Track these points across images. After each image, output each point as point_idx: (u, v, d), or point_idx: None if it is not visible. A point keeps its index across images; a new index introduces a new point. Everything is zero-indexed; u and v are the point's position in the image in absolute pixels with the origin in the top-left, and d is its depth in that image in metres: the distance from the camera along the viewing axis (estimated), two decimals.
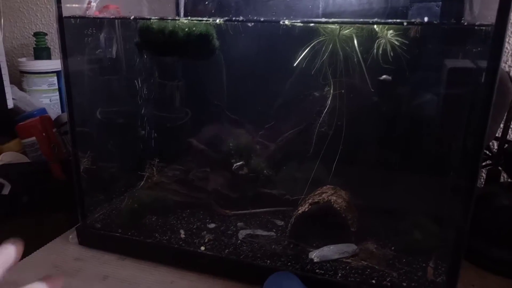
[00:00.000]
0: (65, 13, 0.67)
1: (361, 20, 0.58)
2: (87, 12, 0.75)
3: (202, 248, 0.66)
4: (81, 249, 0.73)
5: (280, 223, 0.74)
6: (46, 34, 1.22)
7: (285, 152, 0.78)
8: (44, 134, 0.87)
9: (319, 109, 0.72)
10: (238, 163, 0.77)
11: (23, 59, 1.22)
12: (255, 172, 0.77)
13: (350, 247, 0.64)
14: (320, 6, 0.77)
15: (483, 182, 0.83)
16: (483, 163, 0.85)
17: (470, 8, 0.66)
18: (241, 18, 0.64)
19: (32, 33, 1.23)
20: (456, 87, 0.62)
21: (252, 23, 0.65)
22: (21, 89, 1.18)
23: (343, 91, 0.69)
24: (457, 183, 0.58)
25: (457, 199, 0.55)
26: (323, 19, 0.63)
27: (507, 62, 0.90)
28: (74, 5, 0.71)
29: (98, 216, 0.77)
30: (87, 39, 0.76)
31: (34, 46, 1.22)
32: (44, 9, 1.31)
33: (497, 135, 0.77)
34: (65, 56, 0.67)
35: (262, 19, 0.61)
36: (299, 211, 0.67)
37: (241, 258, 0.64)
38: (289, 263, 0.63)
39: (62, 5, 0.67)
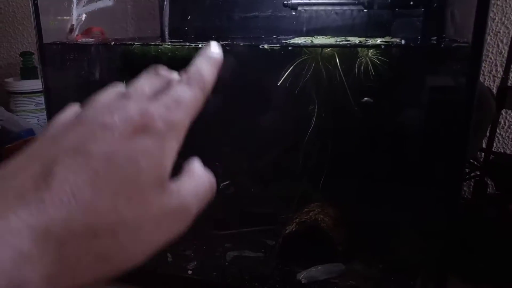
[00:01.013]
0: (47, 38, 0.67)
1: (341, 43, 0.59)
2: (70, 35, 0.75)
3: (190, 272, 0.66)
4: None
5: (268, 242, 0.74)
6: (33, 54, 1.21)
7: (271, 170, 0.78)
8: None
9: (303, 127, 0.72)
10: (224, 183, 0.76)
11: (10, 79, 1.21)
12: (242, 191, 0.77)
13: (338, 267, 0.64)
14: (304, 22, 0.78)
15: (471, 194, 0.83)
16: (472, 174, 0.86)
17: (452, 23, 0.66)
18: (221, 42, 0.63)
19: (19, 53, 1.23)
20: (436, 104, 0.62)
21: (233, 45, 0.66)
22: (9, 109, 1.18)
23: (326, 109, 0.69)
24: (442, 197, 0.58)
25: (443, 213, 0.55)
26: (302, 41, 0.63)
27: (492, 72, 0.90)
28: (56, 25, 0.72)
29: None
30: (70, 62, 0.75)
31: (21, 66, 1.21)
32: (30, 29, 1.31)
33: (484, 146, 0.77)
34: (46, 82, 0.67)
35: (241, 43, 0.61)
36: (287, 231, 0.67)
37: (228, 281, 0.64)
38: (277, 285, 0.62)
39: (43, 30, 0.67)
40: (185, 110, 0.21)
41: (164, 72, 0.24)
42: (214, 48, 0.25)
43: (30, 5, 0.66)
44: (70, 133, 0.19)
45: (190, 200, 0.21)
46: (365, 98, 0.64)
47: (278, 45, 0.59)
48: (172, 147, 0.20)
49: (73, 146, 0.18)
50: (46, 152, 0.19)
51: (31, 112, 1.17)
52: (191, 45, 0.65)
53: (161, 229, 0.20)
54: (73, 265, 0.17)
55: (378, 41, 0.61)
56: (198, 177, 0.23)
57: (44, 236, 0.16)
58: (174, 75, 0.24)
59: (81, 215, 0.17)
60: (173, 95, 0.21)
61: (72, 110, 0.23)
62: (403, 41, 0.57)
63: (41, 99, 1.19)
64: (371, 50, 0.62)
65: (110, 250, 0.18)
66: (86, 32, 0.78)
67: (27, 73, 1.20)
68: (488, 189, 0.80)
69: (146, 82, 0.22)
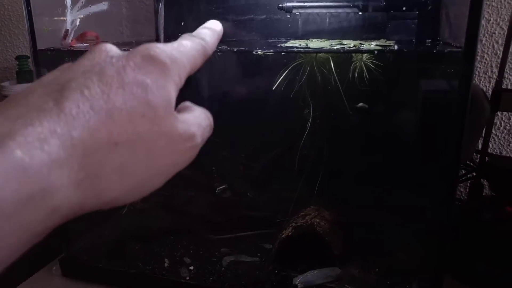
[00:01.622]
0: (41, 43, 0.67)
1: (335, 49, 0.58)
2: (64, 41, 0.75)
3: (186, 277, 0.66)
4: (65, 281, 0.72)
5: (265, 246, 0.74)
6: (28, 57, 1.21)
7: (268, 174, 0.78)
8: None
9: (299, 131, 0.72)
10: (221, 187, 0.76)
11: (6, 83, 1.21)
12: (239, 195, 0.77)
13: (334, 271, 0.64)
14: (299, 25, 0.77)
15: (467, 195, 0.83)
16: (468, 175, 0.86)
17: (447, 25, 0.66)
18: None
19: (15, 57, 1.22)
20: (431, 107, 0.63)
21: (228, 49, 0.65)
22: None
23: (321, 112, 0.69)
24: (437, 200, 0.58)
25: (438, 216, 0.55)
26: (297, 44, 0.63)
27: (487, 73, 0.90)
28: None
29: (81, 246, 0.76)
30: None
31: (17, 69, 1.21)
32: (26, 32, 1.30)
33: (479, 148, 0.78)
34: None
35: (235, 49, 0.61)
36: (283, 235, 0.67)
37: (225, 286, 0.64)
38: None
39: (37, 35, 0.66)
40: (186, 55, 0.23)
41: None
42: (214, 23, 0.30)
43: (24, 11, 0.66)
44: (82, 61, 0.21)
45: (195, 129, 0.22)
46: (360, 104, 0.64)
47: (271, 51, 0.59)
48: (174, 80, 0.22)
49: (85, 70, 0.20)
50: (60, 76, 0.20)
51: None
52: None
53: (173, 150, 0.21)
54: (97, 173, 0.18)
55: (373, 44, 0.61)
56: (197, 112, 0.24)
57: (69, 143, 0.17)
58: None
59: (101, 124, 0.18)
60: (176, 42, 0.24)
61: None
62: (396, 46, 0.57)
63: None
64: (365, 54, 0.62)
65: (130, 162, 0.19)
66: (81, 37, 0.78)
67: (23, 76, 1.20)
68: (484, 191, 0.80)
69: None
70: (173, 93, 0.21)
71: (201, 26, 0.29)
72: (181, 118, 0.22)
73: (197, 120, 0.23)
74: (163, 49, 0.22)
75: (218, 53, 0.62)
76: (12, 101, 0.18)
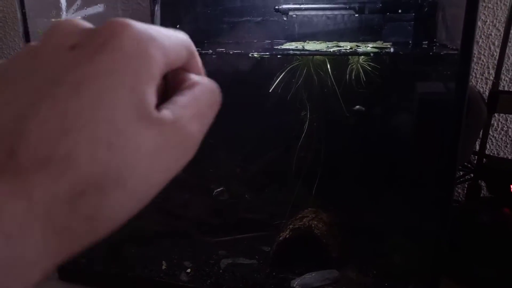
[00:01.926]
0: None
1: (331, 51, 0.58)
2: None
3: (184, 279, 0.65)
4: (61, 285, 0.71)
5: (263, 248, 0.74)
6: None
7: (265, 176, 0.78)
8: None
9: (296, 133, 0.72)
10: (218, 189, 0.76)
11: None
12: (236, 197, 0.76)
13: (332, 273, 0.63)
14: (296, 27, 0.77)
15: (465, 197, 0.83)
16: (465, 177, 0.86)
17: (443, 27, 0.66)
18: (210, 51, 0.63)
19: None
20: (427, 109, 0.62)
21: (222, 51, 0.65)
22: None
23: (319, 114, 0.69)
24: (434, 202, 0.58)
25: (435, 218, 0.55)
26: (294, 46, 0.63)
27: (484, 74, 0.90)
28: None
29: None
30: None
31: None
32: (21, 35, 1.30)
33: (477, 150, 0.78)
34: None
35: (231, 52, 0.61)
36: (280, 238, 0.67)
37: None
38: None
39: (32, 38, 0.66)
40: (160, 47, 0.17)
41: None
42: None
43: (18, 13, 0.65)
44: (33, 72, 0.16)
45: (191, 126, 0.18)
46: (357, 106, 0.64)
47: (267, 53, 0.58)
48: (150, 75, 0.16)
49: (38, 89, 0.16)
50: (10, 103, 0.16)
51: None
52: None
53: (158, 168, 0.17)
54: (64, 233, 0.15)
55: (369, 46, 0.61)
56: (200, 91, 0.19)
57: (28, 208, 0.14)
58: None
59: (61, 174, 0.15)
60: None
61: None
62: (392, 49, 0.56)
63: None
64: (362, 57, 0.62)
65: (101, 207, 0.16)
66: None
67: None
68: (482, 192, 0.80)
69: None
70: (148, 91, 0.16)
71: None
72: (170, 116, 0.17)
73: (197, 109, 0.18)
74: (133, 37, 0.16)
75: (213, 55, 0.62)
76: None
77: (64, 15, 0.75)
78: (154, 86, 0.16)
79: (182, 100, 0.18)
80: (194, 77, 0.19)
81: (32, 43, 0.17)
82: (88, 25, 0.17)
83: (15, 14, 1.27)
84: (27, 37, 0.65)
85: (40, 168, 0.15)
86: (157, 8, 0.81)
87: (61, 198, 0.15)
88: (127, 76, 0.16)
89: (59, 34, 0.17)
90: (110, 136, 0.16)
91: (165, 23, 0.81)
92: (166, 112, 0.17)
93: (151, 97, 0.16)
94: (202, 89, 0.19)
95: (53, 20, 0.74)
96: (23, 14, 0.62)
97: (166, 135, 0.17)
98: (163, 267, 0.69)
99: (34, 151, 0.15)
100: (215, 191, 0.76)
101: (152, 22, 0.84)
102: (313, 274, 0.63)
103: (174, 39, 0.18)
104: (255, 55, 0.56)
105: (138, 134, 0.16)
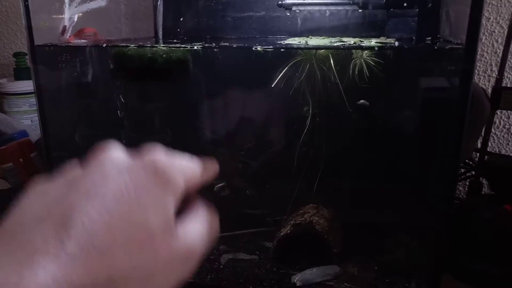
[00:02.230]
0: (38, 40, 0.66)
1: (335, 45, 0.58)
2: (62, 37, 0.75)
3: None
4: None
5: (264, 244, 0.73)
6: (26, 54, 1.20)
7: (266, 171, 0.78)
8: (21, 160, 0.86)
9: (299, 128, 0.72)
10: (219, 184, 0.76)
11: (3, 80, 1.20)
12: (237, 192, 0.76)
13: (333, 269, 0.63)
14: (299, 23, 0.77)
15: (466, 194, 0.83)
16: (467, 174, 0.86)
17: (447, 23, 0.66)
18: (213, 44, 0.63)
19: (12, 54, 1.22)
20: (431, 105, 0.62)
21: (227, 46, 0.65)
22: (2, 110, 1.17)
23: (321, 110, 0.69)
24: (436, 198, 0.58)
25: (437, 214, 0.55)
26: (296, 42, 0.62)
27: (487, 72, 0.90)
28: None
29: None
30: (62, 64, 0.75)
31: (14, 66, 1.20)
32: (23, 29, 1.30)
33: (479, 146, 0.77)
34: (38, 83, 0.66)
35: (234, 46, 0.61)
36: (281, 233, 0.67)
37: (223, 284, 0.63)
38: None
39: (35, 31, 0.66)
40: (183, 173, 0.22)
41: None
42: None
43: (21, 6, 0.65)
44: (87, 177, 0.20)
45: (196, 243, 0.22)
46: (361, 101, 0.64)
47: (271, 47, 0.58)
48: (174, 195, 0.21)
49: (89, 192, 0.19)
50: (62, 197, 0.20)
51: (24, 113, 1.16)
52: (186, 47, 0.64)
53: (170, 275, 0.21)
54: None
55: (373, 41, 0.60)
56: (203, 217, 0.24)
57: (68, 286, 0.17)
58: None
59: (101, 264, 0.18)
60: (177, 155, 0.24)
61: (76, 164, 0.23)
62: (396, 43, 0.56)
63: (35, 100, 1.18)
64: (366, 52, 0.61)
65: None
66: (79, 33, 0.77)
67: (21, 73, 1.19)
68: (483, 190, 0.80)
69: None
70: (172, 212, 0.21)
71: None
72: (182, 233, 0.21)
73: (200, 231, 0.22)
74: (166, 163, 0.22)
75: (215, 49, 0.61)
76: (11, 236, 0.18)
77: (67, 9, 0.74)
78: (176, 205, 0.21)
79: (193, 224, 0.22)
80: (200, 202, 0.25)
81: (73, 166, 0.22)
82: (129, 154, 0.23)
83: (17, 9, 1.27)
84: (30, 30, 0.64)
85: (84, 257, 0.18)
86: (160, 2, 0.81)
87: (97, 283, 0.18)
88: (159, 195, 0.20)
89: (107, 160, 0.21)
90: (143, 236, 0.19)
91: (167, 17, 0.80)
92: (181, 229, 0.21)
93: (173, 215, 0.21)
94: (207, 217, 0.24)
95: (53, 17, 0.74)
96: (26, 7, 0.62)
97: (178, 246, 0.21)
98: None
99: (79, 240, 0.18)
100: (216, 186, 0.76)
101: (154, 16, 0.84)
102: (314, 270, 0.63)
103: (191, 168, 0.23)
104: (259, 49, 0.56)
105: (162, 241, 0.20)
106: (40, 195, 0.20)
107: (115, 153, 0.22)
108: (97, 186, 0.20)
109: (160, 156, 0.22)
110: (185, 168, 0.23)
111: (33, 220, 0.19)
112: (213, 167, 0.27)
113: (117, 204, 0.19)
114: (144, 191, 0.20)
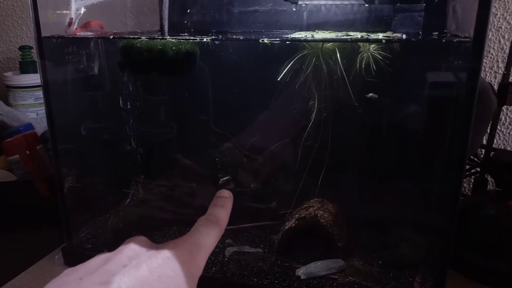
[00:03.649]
0: (45, 32, 0.66)
1: (342, 37, 0.58)
2: (69, 29, 0.75)
3: None
4: None
5: (268, 237, 0.74)
6: (31, 48, 1.21)
7: (272, 166, 0.78)
8: (27, 152, 0.86)
9: (304, 123, 0.72)
10: (224, 178, 0.76)
11: (9, 73, 1.20)
12: (242, 186, 0.76)
13: (337, 263, 0.63)
14: (305, 17, 0.77)
15: (471, 190, 0.83)
16: (472, 171, 0.85)
17: (454, 18, 0.66)
18: (220, 36, 0.63)
19: (18, 47, 1.22)
20: (437, 100, 0.62)
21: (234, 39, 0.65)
22: (8, 104, 1.17)
23: (327, 104, 0.69)
24: (442, 194, 0.58)
25: (443, 209, 0.55)
26: (303, 36, 0.62)
27: (493, 68, 0.90)
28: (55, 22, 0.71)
29: (84, 236, 0.76)
30: (69, 56, 0.75)
31: (20, 60, 1.20)
32: (29, 23, 1.30)
33: (484, 143, 0.77)
34: (45, 75, 0.66)
35: (241, 38, 0.61)
36: (286, 227, 0.67)
37: (227, 276, 0.64)
38: (276, 281, 0.62)
39: (41, 24, 0.66)
40: (206, 242, 0.29)
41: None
42: (224, 194, 0.35)
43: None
44: (120, 255, 0.25)
45: None
46: (370, 94, 0.64)
47: (278, 39, 0.58)
48: (199, 266, 0.27)
49: (124, 264, 0.24)
50: (103, 268, 0.24)
51: (30, 106, 1.17)
52: (196, 39, 0.64)
53: None
54: None
55: (380, 35, 0.60)
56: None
57: None
58: None
59: None
60: (195, 231, 0.30)
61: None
62: (404, 36, 0.56)
63: (41, 93, 1.18)
64: (373, 45, 0.61)
65: None
66: (85, 25, 0.77)
67: (26, 67, 1.19)
68: (488, 186, 0.80)
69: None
70: (197, 277, 0.26)
71: (213, 202, 0.34)
72: None
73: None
74: (188, 244, 0.27)
75: (217, 42, 0.61)
76: None
77: (73, 2, 0.74)
78: (201, 270, 0.28)
79: None
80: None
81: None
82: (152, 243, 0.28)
83: (23, 2, 1.28)
84: (37, 22, 0.64)
85: None
86: None
87: None
88: (189, 270, 0.26)
89: (136, 245, 0.27)
90: None
91: (173, 10, 0.80)
92: None
93: (197, 280, 0.27)
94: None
95: (57, 11, 0.74)
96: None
97: None
98: None
99: None
100: (221, 180, 0.76)
101: (160, 10, 0.84)
102: (318, 263, 0.63)
103: (209, 238, 0.30)
104: (265, 41, 0.56)
105: None
106: (81, 266, 0.24)
107: (141, 241, 0.27)
108: (132, 260, 0.24)
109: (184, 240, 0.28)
110: (206, 237, 0.29)
111: (75, 279, 0.22)
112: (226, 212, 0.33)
113: (149, 276, 0.23)
114: (172, 269, 0.25)
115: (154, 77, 0.79)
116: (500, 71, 0.89)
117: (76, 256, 0.72)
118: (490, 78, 0.89)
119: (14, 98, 1.17)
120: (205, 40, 0.61)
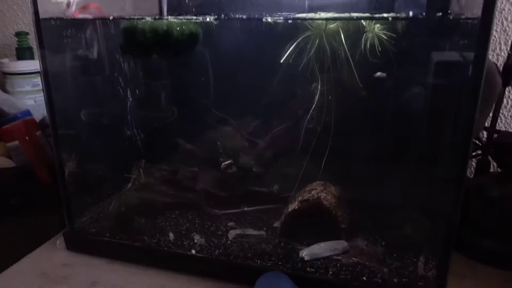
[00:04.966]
0: (43, 14, 0.65)
1: (345, 15, 0.57)
2: (67, 11, 0.73)
3: (193, 251, 0.66)
4: (69, 255, 0.71)
5: (270, 220, 0.74)
6: (28, 34, 1.19)
7: (274, 149, 0.77)
8: (27, 137, 0.85)
9: (307, 106, 0.71)
10: (226, 162, 0.76)
11: (5, 60, 1.19)
12: (244, 170, 0.76)
13: (341, 244, 0.63)
14: None
15: (473, 173, 0.83)
16: (473, 153, 0.85)
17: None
18: (222, 16, 0.62)
19: (14, 33, 1.20)
20: (443, 80, 0.62)
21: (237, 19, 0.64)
22: (5, 90, 1.16)
23: (330, 86, 0.68)
24: (447, 175, 0.57)
25: (447, 191, 0.55)
26: (308, 15, 0.61)
27: (495, 50, 0.89)
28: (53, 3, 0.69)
29: (85, 221, 0.76)
30: (67, 39, 0.74)
31: (16, 46, 1.19)
32: (25, 8, 1.28)
33: (486, 125, 0.77)
34: (43, 59, 0.65)
35: (244, 17, 0.60)
36: (289, 209, 0.67)
37: (231, 259, 0.64)
38: (279, 262, 0.62)
39: (40, 6, 0.64)
40: None
41: None
42: None
43: None
44: None
45: None
46: (378, 73, 0.63)
47: (281, 18, 0.57)
48: None
49: None
50: None
51: (27, 93, 1.16)
52: (198, 19, 0.63)
53: None
54: None
55: (384, 15, 0.59)
56: None
57: None
58: None
59: None
60: None
61: None
62: (411, 12, 0.55)
63: (38, 80, 1.17)
64: (377, 25, 0.60)
65: None
66: (84, 8, 0.76)
67: (23, 53, 1.18)
68: (491, 168, 0.80)
69: None
70: None
71: None
72: None
73: None
74: None
75: (217, 21, 0.60)
76: None
77: None
78: None
79: None
80: None
81: None
82: None
83: None
84: (35, 5, 0.63)
85: None
86: None
87: None
88: None
89: None
90: None
91: None
92: None
93: None
94: None
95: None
96: None
97: None
98: (171, 238, 0.69)
99: None
100: (223, 163, 0.75)
101: None
102: (322, 245, 0.64)
103: None
104: (269, 20, 0.55)
105: None
106: None
107: None
108: None
109: None
110: None
111: None
112: None
113: None
114: None
115: (156, 60, 0.78)
116: (502, 54, 0.88)
117: (77, 241, 0.72)
118: (493, 60, 0.89)
119: (11, 85, 1.16)
120: (208, 19, 0.60)
